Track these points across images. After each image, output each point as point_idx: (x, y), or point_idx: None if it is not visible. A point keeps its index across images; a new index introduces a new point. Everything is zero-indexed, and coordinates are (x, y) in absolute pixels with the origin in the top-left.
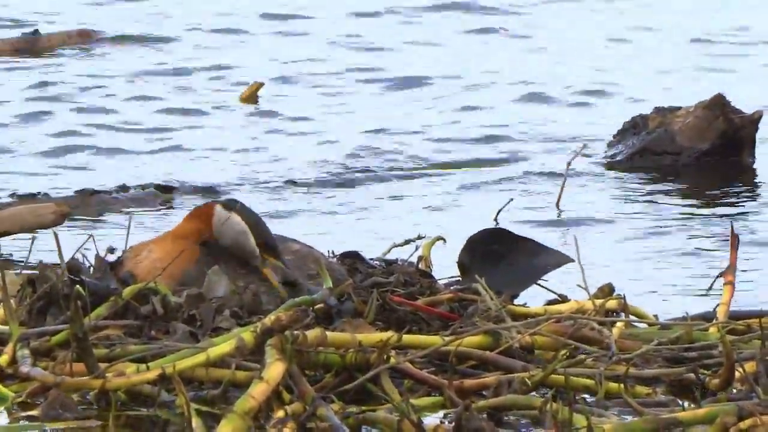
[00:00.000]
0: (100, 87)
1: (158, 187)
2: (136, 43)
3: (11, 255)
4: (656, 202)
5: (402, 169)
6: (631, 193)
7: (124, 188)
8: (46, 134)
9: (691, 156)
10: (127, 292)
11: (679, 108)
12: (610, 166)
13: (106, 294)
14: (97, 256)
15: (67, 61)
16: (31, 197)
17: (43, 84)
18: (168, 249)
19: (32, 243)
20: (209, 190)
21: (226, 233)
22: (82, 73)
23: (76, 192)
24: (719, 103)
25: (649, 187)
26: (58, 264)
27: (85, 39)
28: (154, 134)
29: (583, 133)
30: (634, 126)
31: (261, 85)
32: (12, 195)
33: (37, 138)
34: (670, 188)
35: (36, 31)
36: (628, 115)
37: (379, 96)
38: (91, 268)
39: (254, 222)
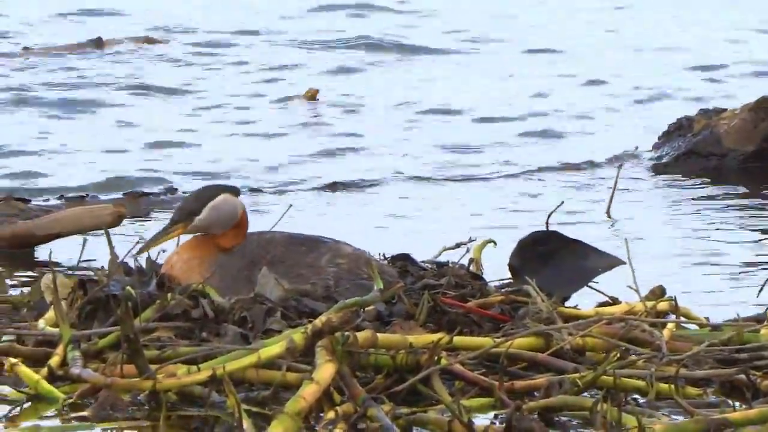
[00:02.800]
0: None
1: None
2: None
3: (69, 258)
4: (703, 204)
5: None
6: (678, 195)
7: (171, 190)
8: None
9: (737, 158)
10: (172, 297)
11: (725, 110)
12: (656, 168)
13: (149, 300)
14: (148, 259)
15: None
16: (80, 199)
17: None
18: (193, 245)
19: (83, 245)
20: (256, 190)
21: None
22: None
23: (125, 194)
24: (765, 105)
25: (695, 189)
26: (106, 267)
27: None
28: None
29: (633, 134)
30: (680, 128)
31: (317, 91)
32: (60, 197)
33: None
34: (717, 191)
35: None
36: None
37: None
38: (137, 272)
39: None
